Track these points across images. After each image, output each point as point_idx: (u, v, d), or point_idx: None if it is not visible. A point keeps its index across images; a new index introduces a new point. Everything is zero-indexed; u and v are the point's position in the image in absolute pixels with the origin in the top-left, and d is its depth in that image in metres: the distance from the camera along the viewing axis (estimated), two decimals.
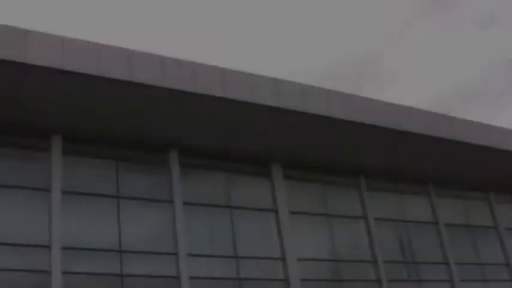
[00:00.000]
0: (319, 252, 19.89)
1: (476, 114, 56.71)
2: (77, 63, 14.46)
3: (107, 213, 16.45)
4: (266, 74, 17.44)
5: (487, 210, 25.48)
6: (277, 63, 49.11)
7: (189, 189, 17.94)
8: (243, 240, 18.27)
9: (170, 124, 17.04)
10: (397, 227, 22.16)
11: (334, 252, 20.08)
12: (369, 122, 18.57)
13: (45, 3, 45.07)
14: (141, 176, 17.59)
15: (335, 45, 53.66)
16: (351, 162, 20.94)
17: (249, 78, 16.86)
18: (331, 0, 53.03)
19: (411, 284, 21.28)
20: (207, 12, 49.31)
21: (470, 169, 23.34)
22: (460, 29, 58.06)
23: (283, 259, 18.64)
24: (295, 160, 20.01)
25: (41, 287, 14.76)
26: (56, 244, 15.20)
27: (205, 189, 18.45)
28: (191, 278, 16.67)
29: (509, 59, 56.14)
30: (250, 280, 17.81)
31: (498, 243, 24.89)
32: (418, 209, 23.24)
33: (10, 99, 14.98)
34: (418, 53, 56.29)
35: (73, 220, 15.86)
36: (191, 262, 16.92)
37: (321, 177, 20.90)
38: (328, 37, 54.05)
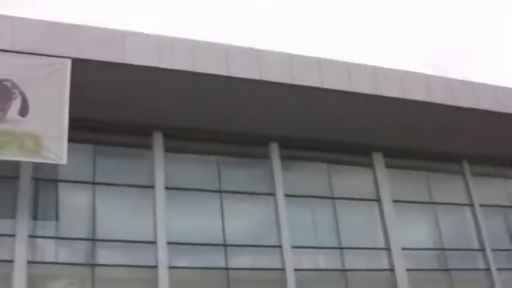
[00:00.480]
0: (424, 241, 19.47)
1: None
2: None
3: (210, 208, 16.68)
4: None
5: None
6: (373, 53, 47.96)
7: (291, 181, 17.91)
8: (347, 231, 18.10)
9: (269, 117, 17.08)
10: (504, 213, 21.21)
11: (439, 241, 19.53)
12: (469, 105, 17.93)
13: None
14: (243, 170, 17.81)
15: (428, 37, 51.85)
16: (453, 148, 20.17)
17: (346, 66, 16.61)
18: None
19: None
20: (299, 4, 48.84)
21: None
22: None
23: (387, 249, 18.33)
24: (397, 148, 19.53)
25: (148, 282, 15.16)
26: (161, 239, 15.58)
27: (306, 180, 18.39)
28: (296, 270, 16.68)
29: None
30: (355, 271, 17.65)
31: None
32: None
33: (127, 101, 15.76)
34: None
35: (177, 216, 16.15)
36: (295, 254, 16.90)
37: (423, 164, 20.32)
38: (419, 29, 52.32)
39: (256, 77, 15.53)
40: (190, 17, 46.58)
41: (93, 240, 15.24)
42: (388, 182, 19.34)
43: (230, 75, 15.33)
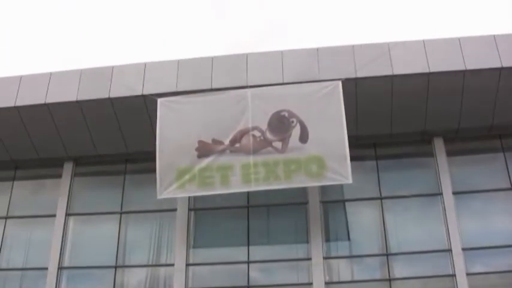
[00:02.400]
0: None
1: None
2: None
3: (502, 209, 15.73)
4: None
5: None
6: None
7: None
8: None
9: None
10: None
11: None
12: None
13: None
14: None
15: None
16: None
17: None
18: None
19: None
20: None
21: None
22: None
23: None
24: None
25: None
26: (456, 246, 15.28)
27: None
28: None
29: None
30: None
31: None
32: None
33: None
34: None
35: (468, 220, 15.76)
36: None
37: None
38: None
39: None
40: None
41: (386, 255, 15.63)
42: None
43: None
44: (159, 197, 15.54)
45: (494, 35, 15.73)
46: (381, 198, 16.37)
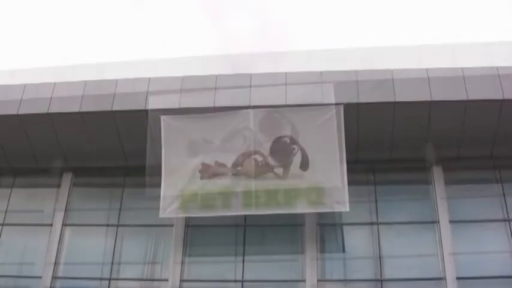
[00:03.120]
0: None
1: None
2: None
3: (498, 240, 15.78)
4: None
5: None
6: None
7: None
8: None
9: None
10: None
11: None
12: None
13: None
14: None
15: None
16: None
17: None
18: None
19: None
20: None
21: None
22: None
23: None
24: None
25: None
26: (450, 275, 15.23)
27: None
28: None
29: None
30: None
31: None
32: None
33: None
34: None
35: (464, 249, 15.65)
36: None
37: None
38: None
39: None
40: None
41: (381, 280, 15.63)
42: None
43: None
44: (162, 215, 15.82)
45: (497, 67, 15.82)
46: (378, 224, 16.38)
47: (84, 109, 16.51)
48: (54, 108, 16.70)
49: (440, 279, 15.51)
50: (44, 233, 17.25)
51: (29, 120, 16.86)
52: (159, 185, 16.02)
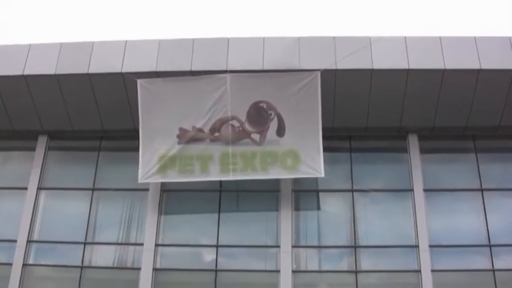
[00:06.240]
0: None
1: None
2: None
3: (471, 207, 15.95)
4: None
5: None
6: None
7: None
8: None
9: None
10: None
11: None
12: None
13: None
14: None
15: None
16: None
17: None
18: None
19: None
20: None
21: None
22: None
23: None
24: None
25: (411, 286, 15.12)
26: (423, 243, 15.41)
27: None
28: None
29: None
30: None
31: None
32: None
33: None
34: None
35: (437, 217, 15.83)
36: None
37: None
38: None
39: None
40: None
41: (354, 247, 15.74)
42: None
43: None
44: (140, 181, 15.79)
45: (475, 37, 15.81)
46: (352, 191, 16.45)
47: (60, 71, 16.15)
48: (29, 71, 16.32)
49: (413, 246, 15.60)
50: (19, 196, 16.99)
51: (3, 82, 16.48)
52: (135, 150, 15.89)
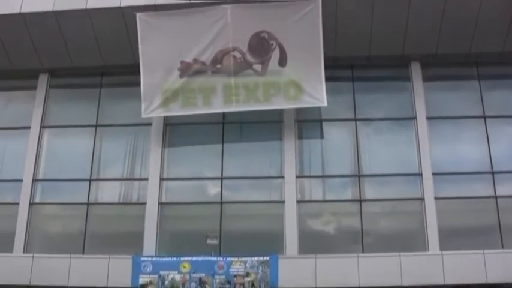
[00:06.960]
0: None
1: None
2: None
3: (474, 135, 15.96)
4: None
5: None
6: None
7: None
8: None
9: None
10: None
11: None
12: None
13: None
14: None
15: None
16: None
17: None
18: None
19: None
20: None
21: None
22: None
23: None
24: None
25: (415, 214, 15.23)
26: (426, 171, 15.44)
27: None
28: None
29: None
30: None
31: None
32: None
33: None
34: None
35: (440, 145, 15.85)
36: None
37: None
38: None
39: None
40: None
41: (358, 176, 15.80)
42: None
43: None
44: (144, 115, 15.79)
45: None
46: (355, 120, 16.43)
47: (58, 8, 15.84)
48: (27, 8, 15.98)
49: (417, 175, 15.69)
50: (22, 136, 16.99)
51: (1, 21, 16.18)
52: (137, 85, 15.76)
